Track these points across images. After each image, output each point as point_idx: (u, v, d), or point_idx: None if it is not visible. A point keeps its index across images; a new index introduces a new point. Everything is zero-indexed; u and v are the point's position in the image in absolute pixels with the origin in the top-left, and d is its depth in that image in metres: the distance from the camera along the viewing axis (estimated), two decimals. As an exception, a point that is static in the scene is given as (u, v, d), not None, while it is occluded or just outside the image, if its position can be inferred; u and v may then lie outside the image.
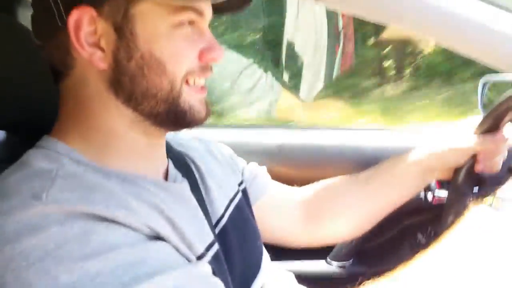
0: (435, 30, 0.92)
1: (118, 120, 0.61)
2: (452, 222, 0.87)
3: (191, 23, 0.61)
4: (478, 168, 0.85)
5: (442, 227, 0.90)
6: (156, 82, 0.59)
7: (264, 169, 0.97)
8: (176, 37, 0.59)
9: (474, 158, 0.87)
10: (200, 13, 0.61)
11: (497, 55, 0.92)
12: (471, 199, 0.62)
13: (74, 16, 0.56)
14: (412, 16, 0.89)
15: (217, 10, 0.67)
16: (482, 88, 1.30)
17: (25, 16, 0.92)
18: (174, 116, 0.62)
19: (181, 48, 0.60)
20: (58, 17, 0.57)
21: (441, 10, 0.87)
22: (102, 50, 0.58)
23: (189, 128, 0.66)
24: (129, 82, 0.59)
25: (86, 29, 0.56)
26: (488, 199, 0.55)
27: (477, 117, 0.87)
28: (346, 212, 0.94)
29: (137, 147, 0.64)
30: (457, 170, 0.89)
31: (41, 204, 0.49)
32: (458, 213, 0.85)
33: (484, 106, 1.29)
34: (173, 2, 0.57)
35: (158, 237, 0.54)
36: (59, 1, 0.56)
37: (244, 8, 0.71)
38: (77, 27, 0.56)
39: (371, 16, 0.91)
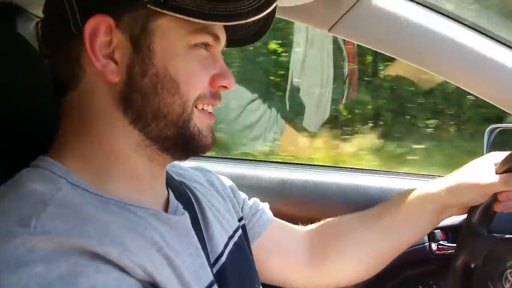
0: (451, 70, 0.92)
1: (123, 141, 0.58)
2: (463, 263, 0.84)
3: (206, 46, 0.60)
4: (498, 207, 0.80)
5: (451, 269, 0.86)
6: (168, 102, 0.57)
7: (266, 205, 0.92)
8: (192, 58, 0.58)
9: (493, 197, 0.82)
10: (216, 37, 0.60)
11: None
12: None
13: (91, 24, 0.54)
14: (424, 53, 0.89)
15: (230, 42, 0.66)
16: (489, 137, 1.30)
17: (24, 28, 0.92)
18: (182, 141, 0.60)
19: (195, 70, 0.59)
20: (73, 24, 0.54)
21: (459, 50, 0.86)
22: (116, 62, 0.55)
23: (195, 155, 0.63)
24: (140, 100, 0.56)
25: (101, 38, 0.54)
26: None
27: (499, 155, 0.83)
28: (356, 252, 0.88)
29: (139, 173, 0.60)
30: (473, 208, 0.85)
31: (28, 234, 0.45)
32: (471, 254, 0.83)
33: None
34: (191, 22, 0.56)
35: (152, 283, 0.50)
36: (76, 8, 0.54)
37: (255, 40, 0.70)
38: (93, 36, 0.54)
39: (386, 50, 0.91)
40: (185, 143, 0.60)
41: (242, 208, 0.86)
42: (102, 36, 0.54)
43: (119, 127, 0.57)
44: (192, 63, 0.58)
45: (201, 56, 0.59)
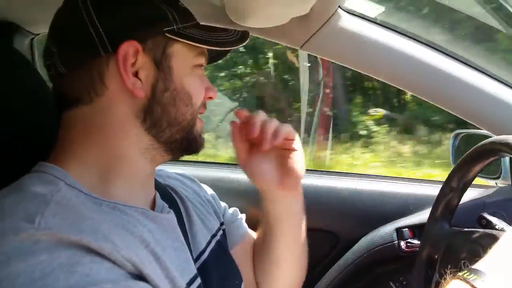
0: (411, 83, 1.00)
1: (133, 146, 0.66)
2: (427, 255, 0.91)
3: (200, 66, 0.71)
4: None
5: (416, 263, 0.93)
6: (183, 112, 0.67)
7: (243, 216, 0.96)
8: (196, 76, 0.70)
9: (452, 192, 0.91)
10: (207, 59, 0.72)
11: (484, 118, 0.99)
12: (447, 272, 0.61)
13: (124, 48, 0.61)
14: (385, 68, 0.96)
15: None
16: (453, 141, 1.39)
17: (21, 44, 0.96)
18: (187, 143, 0.70)
19: (199, 85, 0.70)
20: (102, 47, 0.61)
21: (416, 65, 0.94)
22: (140, 80, 0.64)
23: (193, 154, 0.73)
24: (160, 110, 0.65)
25: (130, 60, 0.62)
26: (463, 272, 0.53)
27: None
28: (276, 274, 0.90)
29: (138, 175, 0.68)
30: (436, 203, 0.93)
31: (33, 229, 0.50)
32: (433, 246, 0.90)
33: (456, 157, 1.37)
34: (196, 47, 0.68)
35: (140, 276, 0.56)
36: (103, 34, 0.61)
37: (220, 58, 0.83)
38: (125, 58, 0.62)
39: (352, 65, 0.99)
40: (188, 145, 0.70)
41: (223, 215, 0.92)
42: (130, 58, 0.62)
43: (133, 134, 0.65)
44: (197, 79, 0.69)
45: (199, 74, 0.70)
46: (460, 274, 0.53)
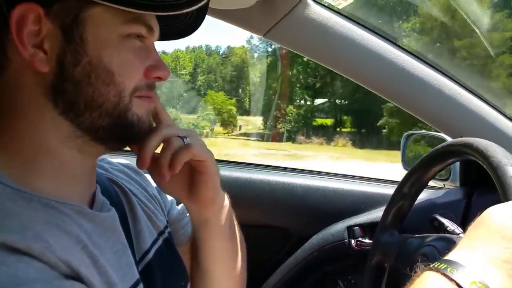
0: (371, 80, 0.99)
1: (51, 133, 0.56)
2: (377, 262, 0.91)
3: (140, 37, 0.59)
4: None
5: (366, 268, 0.92)
6: (102, 92, 0.55)
7: None
8: (126, 48, 0.57)
9: (403, 199, 0.90)
10: (149, 28, 0.60)
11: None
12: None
13: (18, 11, 0.51)
14: (349, 63, 0.94)
15: (164, 35, 0.65)
16: (405, 142, 1.43)
17: None
18: (119, 130, 0.58)
19: (130, 60, 0.57)
20: None
21: (380, 62, 0.93)
22: (45, 52, 0.53)
23: (132, 143, 0.63)
24: (72, 89, 0.54)
25: (30, 27, 0.52)
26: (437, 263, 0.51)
27: None
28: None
29: (67, 166, 0.58)
30: (386, 211, 0.93)
31: None
32: (384, 253, 0.90)
33: (405, 157, 1.40)
34: (125, 12, 0.55)
35: (77, 278, 0.49)
36: None
37: (187, 35, 0.70)
38: (21, 24, 0.51)
39: (315, 58, 0.96)
40: (122, 132, 0.59)
41: (169, 212, 0.84)
42: (30, 25, 0.52)
43: (48, 118, 0.55)
44: (126, 54, 0.57)
45: (135, 47, 0.58)
46: (431, 265, 0.51)
